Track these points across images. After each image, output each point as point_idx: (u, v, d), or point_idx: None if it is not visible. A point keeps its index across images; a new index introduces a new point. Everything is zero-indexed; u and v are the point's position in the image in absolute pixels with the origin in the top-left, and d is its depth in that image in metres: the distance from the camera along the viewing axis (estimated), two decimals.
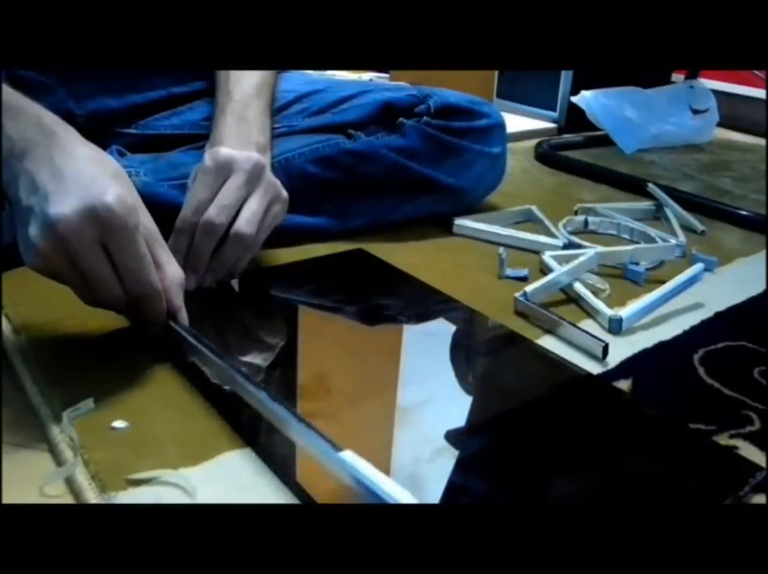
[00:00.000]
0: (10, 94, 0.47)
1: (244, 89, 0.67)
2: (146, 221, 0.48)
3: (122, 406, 0.46)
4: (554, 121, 1.41)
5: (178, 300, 0.50)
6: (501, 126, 0.85)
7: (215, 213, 0.57)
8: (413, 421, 0.45)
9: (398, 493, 0.33)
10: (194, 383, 0.48)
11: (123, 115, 0.69)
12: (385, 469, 0.41)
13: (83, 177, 0.44)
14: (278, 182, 0.62)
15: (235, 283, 0.62)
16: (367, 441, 0.44)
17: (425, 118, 0.77)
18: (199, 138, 0.74)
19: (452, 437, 0.43)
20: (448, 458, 0.42)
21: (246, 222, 0.57)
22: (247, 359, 0.52)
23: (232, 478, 0.41)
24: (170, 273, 0.49)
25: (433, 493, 0.39)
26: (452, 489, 0.39)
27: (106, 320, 0.52)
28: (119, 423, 0.44)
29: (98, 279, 0.45)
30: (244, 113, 0.66)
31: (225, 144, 0.61)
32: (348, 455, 0.36)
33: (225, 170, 0.58)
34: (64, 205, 0.43)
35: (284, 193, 0.62)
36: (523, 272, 0.70)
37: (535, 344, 0.55)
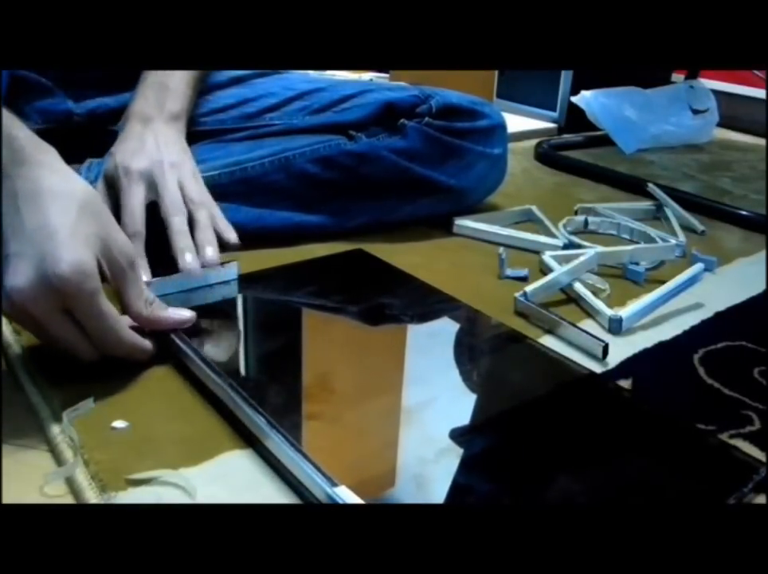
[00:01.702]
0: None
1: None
2: (120, 241, 0.47)
3: (122, 406, 0.46)
4: (554, 121, 1.41)
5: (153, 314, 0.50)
6: (502, 127, 0.84)
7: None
8: (417, 421, 0.45)
9: None
10: (194, 383, 0.48)
11: (117, 113, 0.69)
12: (390, 470, 0.41)
13: (40, 233, 0.43)
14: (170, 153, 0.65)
15: (235, 284, 0.62)
16: (371, 442, 0.44)
17: (426, 118, 0.77)
18: (197, 135, 0.75)
19: (456, 437, 0.43)
20: (453, 458, 0.42)
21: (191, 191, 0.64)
22: (247, 361, 0.52)
23: (232, 478, 0.41)
24: (135, 307, 0.49)
25: (438, 494, 0.39)
26: (456, 488, 0.39)
27: None
28: (119, 423, 0.44)
29: (67, 342, 0.46)
30: (165, 81, 0.69)
31: (134, 114, 0.67)
32: (343, 491, 0.36)
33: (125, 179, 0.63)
34: (19, 275, 0.42)
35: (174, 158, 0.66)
36: (523, 272, 0.70)
37: (537, 344, 0.55)
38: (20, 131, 0.46)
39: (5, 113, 0.45)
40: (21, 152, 0.45)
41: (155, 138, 0.66)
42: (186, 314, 0.52)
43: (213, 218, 0.64)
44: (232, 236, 0.64)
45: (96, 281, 0.44)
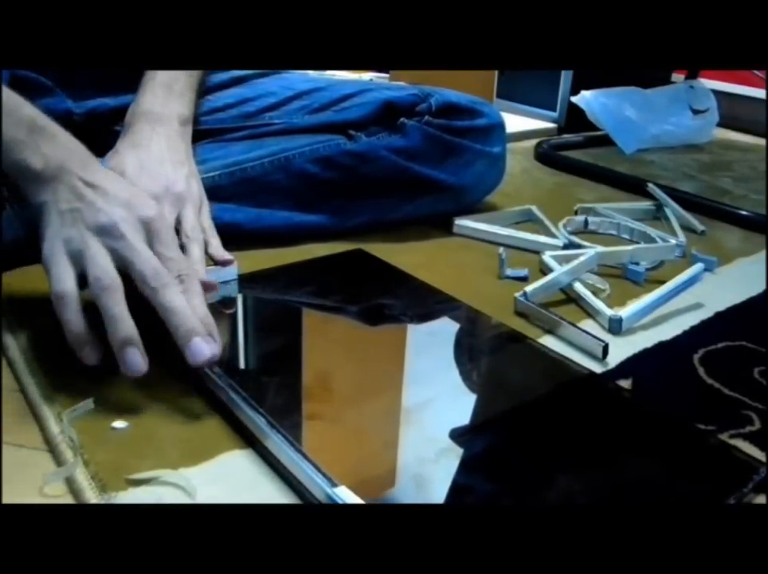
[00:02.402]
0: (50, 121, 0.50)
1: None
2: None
3: (122, 406, 0.46)
4: (554, 121, 1.41)
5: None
6: (501, 125, 0.85)
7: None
8: (417, 421, 0.45)
9: None
10: (194, 383, 0.48)
11: (122, 114, 0.69)
12: (390, 470, 0.41)
13: (125, 190, 0.50)
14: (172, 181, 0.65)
15: (234, 284, 0.62)
16: (371, 442, 0.44)
17: (426, 117, 0.77)
18: (197, 134, 0.74)
19: (456, 436, 0.43)
20: (453, 457, 0.42)
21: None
22: (247, 361, 0.52)
23: (232, 478, 0.41)
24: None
25: (438, 494, 0.39)
26: (456, 488, 0.39)
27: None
28: (119, 423, 0.44)
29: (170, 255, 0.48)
30: (171, 83, 0.69)
31: (142, 114, 0.67)
32: (343, 491, 0.36)
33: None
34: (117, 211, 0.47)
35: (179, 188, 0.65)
36: (523, 272, 0.70)
37: (537, 344, 0.55)
38: (71, 137, 0.51)
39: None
40: (81, 153, 0.51)
41: (165, 147, 0.66)
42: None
43: (209, 246, 0.62)
44: (228, 263, 0.63)
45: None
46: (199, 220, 0.64)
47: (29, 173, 0.49)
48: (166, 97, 0.68)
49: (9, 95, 0.49)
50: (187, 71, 0.71)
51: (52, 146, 0.49)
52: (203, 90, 0.78)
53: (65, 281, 0.46)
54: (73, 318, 0.46)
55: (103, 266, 0.45)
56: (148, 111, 0.67)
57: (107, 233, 0.46)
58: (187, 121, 0.70)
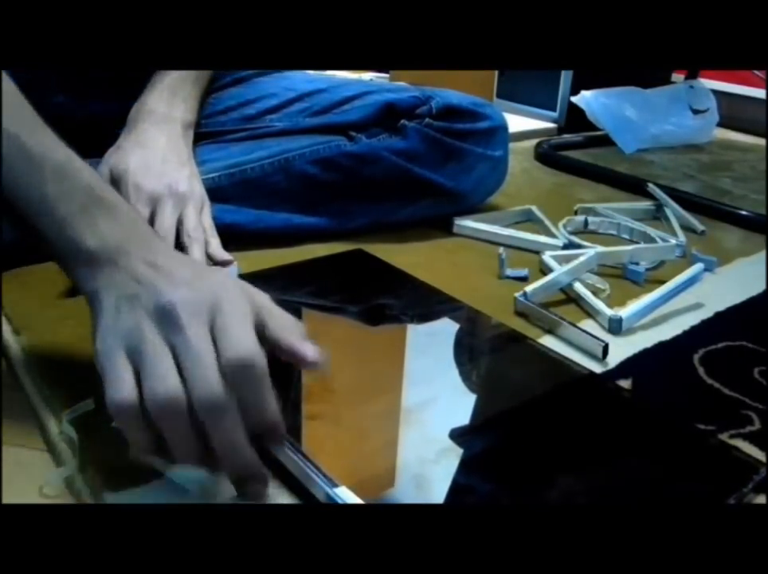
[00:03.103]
0: (110, 190, 0.44)
1: (182, 71, 0.71)
2: (257, 296, 0.42)
3: None
4: (554, 121, 1.41)
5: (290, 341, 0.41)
6: (503, 128, 0.84)
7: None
8: (417, 421, 0.45)
9: None
10: None
11: (124, 116, 0.69)
12: (390, 470, 0.41)
13: (191, 274, 0.40)
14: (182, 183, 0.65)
15: None
16: (371, 442, 0.44)
17: (427, 119, 0.77)
18: (198, 136, 0.74)
19: (456, 437, 0.43)
20: (453, 457, 0.42)
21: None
22: None
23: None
24: (276, 319, 0.41)
25: (438, 494, 0.39)
26: (456, 488, 0.39)
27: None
28: None
29: (198, 352, 0.37)
30: (177, 86, 0.69)
31: (147, 113, 0.66)
32: (343, 492, 0.36)
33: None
34: (179, 290, 0.38)
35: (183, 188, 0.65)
36: (523, 272, 0.70)
37: (537, 344, 0.55)
38: (132, 210, 0.44)
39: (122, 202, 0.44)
40: (143, 233, 0.43)
41: (168, 147, 0.66)
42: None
43: (209, 246, 0.63)
44: (227, 263, 0.64)
45: (249, 309, 0.39)
46: (200, 220, 0.64)
47: (82, 254, 0.41)
48: (171, 100, 0.69)
49: (68, 154, 0.43)
50: (194, 77, 0.72)
51: (111, 222, 0.41)
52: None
53: (123, 387, 0.36)
54: (136, 435, 0.37)
55: (161, 376, 0.36)
56: (153, 111, 0.68)
57: (165, 320, 0.37)
58: (190, 125, 0.71)
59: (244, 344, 0.37)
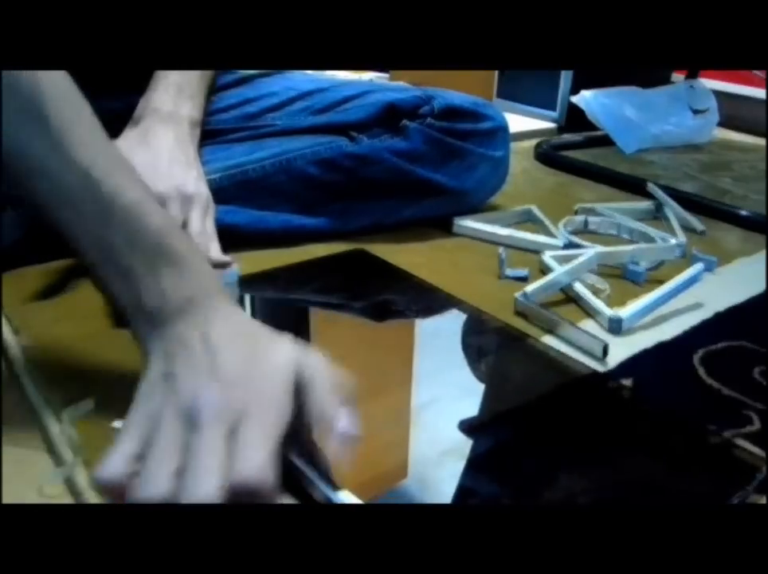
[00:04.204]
0: (182, 242, 0.40)
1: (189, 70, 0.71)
2: (306, 361, 0.39)
3: (122, 406, 0.46)
4: (554, 121, 1.41)
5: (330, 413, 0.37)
6: (504, 129, 0.84)
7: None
8: (418, 421, 0.45)
9: None
10: None
11: (125, 116, 0.69)
12: (392, 469, 0.41)
13: (235, 363, 0.37)
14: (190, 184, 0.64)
15: (236, 285, 0.62)
16: (373, 442, 0.44)
17: (428, 119, 0.77)
18: (201, 134, 0.74)
19: (457, 436, 0.43)
20: (454, 457, 0.42)
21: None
22: None
23: None
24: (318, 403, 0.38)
25: (440, 493, 0.39)
26: (459, 488, 0.39)
27: (106, 320, 0.52)
28: (119, 423, 0.44)
29: (204, 455, 0.34)
30: (183, 84, 0.69)
31: (154, 111, 0.65)
32: (345, 496, 0.36)
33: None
34: (209, 389, 0.35)
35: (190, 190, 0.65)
36: (523, 272, 0.70)
37: (537, 344, 0.55)
38: (201, 265, 0.40)
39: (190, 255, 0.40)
40: (208, 292, 0.40)
41: (175, 147, 0.66)
42: None
43: (209, 250, 0.63)
44: (226, 264, 0.63)
45: (284, 415, 0.36)
46: (204, 224, 0.64)
47: (141, 311, 0.39)
48: (177, 97, 0.69)
49: (141, 196, 0.40)
50: (200, 74, 0.71)
51: (176, 278, 0.39)
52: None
53: (116, 464, 0.34)
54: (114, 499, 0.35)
55: (155, 479, 0.33)
56: (159, 109, 0.67)
57: (187, 416, 0.35)
58: (196, 124, 0.71)
59: (255, 470, 0.33)
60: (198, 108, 0.71)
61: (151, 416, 0.36)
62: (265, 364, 0.37)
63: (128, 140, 0.66)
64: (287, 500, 0.37)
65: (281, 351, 0.38)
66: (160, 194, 0.62)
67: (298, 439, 0.39)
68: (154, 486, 0.33)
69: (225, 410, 0.35)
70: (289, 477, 0.38)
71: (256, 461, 0.33)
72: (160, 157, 0.64)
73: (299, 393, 0.37)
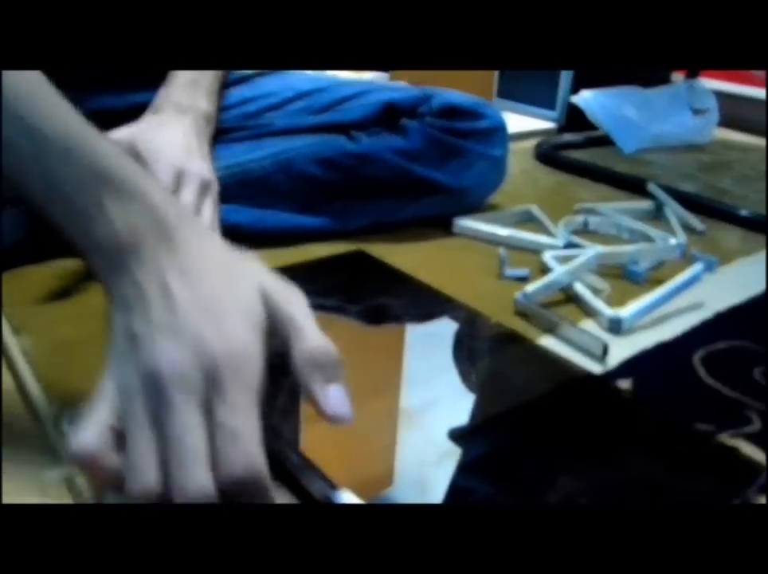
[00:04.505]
0: (129, 170, 0.37)
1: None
2: (275, 294, 0.38)
3: None
4: (554, 121, 1.41)
5: (315, 386, 0.35)
6: (503, 128, 0.84)
7: None
8: (418, 423, 0.45)
9: None
10: None
11: (124, 115, 0.69)
12: (391, 471, 0.41)
13: (199, 304, 0.34)
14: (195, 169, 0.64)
15: None
16: (371, 443, 0.44)
17: (427, 118, 0.77)
18: None
19: (457, 438, 0.43)
20: (453, 459, 0.42)
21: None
22: None
23: None
24: (306, 343, 0.36)
25: (439, 495, 0.39)
26: (457, 489, 0.39)
27: (106, 320, 0.52)
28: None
29: (183, 442, 0.31)
30: (198, 81, 0.70)
31: (170, 105, 0.66)
32: (343, 495, 0.36)
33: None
34: (166, 354, 0.33)
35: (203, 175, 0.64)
36: (523, 272, 0.70)
37: (537, 344, 0.55)
38: (165, 203, 0.37)
39: (150, 184, 0.38)
40: (169, 228, 0.36)
41: (193, 136, 0.66)
42: None
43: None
44: None
45: (257, 369, 0.34)
46: (214, 216, 0.64)
47: (94, 247, 0.36)
48: (192, 92, 0.69)
49: (81, 130, 0.37)
50: (213, 73, 0.72)
51: (126, 209, 0.36)
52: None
53: (89, 435, 0.32)
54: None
55: (139, 470, 0.31)
56: (176, 102, 0.68)
57: (153, 391, 0.32)
58: (211, 119, 0.71)
59: (243, 463, 0.31)
60: (213, 103, 0.72)
61: (122, 385, 0.33)
62: (232, 313, 0.34)
63: (149, 125, 0.66)
64: (281, 493, 0.36)
65: (247, 289, 0.36)
66: (176, 167, 0.62)
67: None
68: (142, 483, 0.31)
69: (192, 377, 0.32)
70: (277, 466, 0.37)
71: (243, 452, 0.31)
72: (179, 142, 0.64)
73: (276, 329, 0.35)
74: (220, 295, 0.35)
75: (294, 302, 0.37)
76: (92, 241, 0.36)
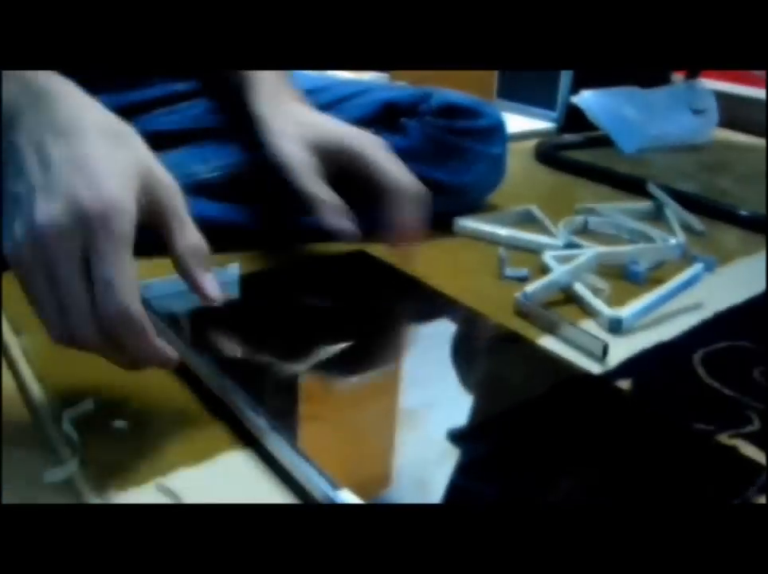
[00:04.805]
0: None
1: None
2: (164, 178, 0.41)
3: (122, 406, 0.46)
4: (553, 121, 1.41)
5: (197, 273, 0.42)
6: (502, 126, 0.85)
7: None
8: (418, 423, 0.45)
9: None
10: (195, 383, 0.48)
11: (123, 113, 0.69)
12: (390, 472, 0.41)
13: (70, 165, 0.37)
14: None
15: (236, 285, 0.62)
16: (371, 444, 0.44)
17: (427, 117, 0.77)
18: (201, 134, 0.74)
19: (457, 439, 0.43)
20: (453, 460, 0.42)
21: None
22: (248, 361, 0.52)
23: (232, 478, 0.41)
24: (186, 237, 0.41)
25: (439, 496, 0.39)
26: (457, 490, 0.39)
27: None
28: (119, 423, 0.44)
29: (71, 304, 0.37)
30: (281, 74, 0.70)
31: (264, 93, 0.66)
32: (345, 495, 0.36)
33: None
34: (40, 210, 0.36)
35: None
36: (523, 272, 0.70)
37: (537, 344, 0.55)
38: (42, 73, 0.41)
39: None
40: (40, 88, 0.40)
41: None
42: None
43: None
44: None
45: (129, 223, 0.37)
46: None
47: None
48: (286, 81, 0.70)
49: None
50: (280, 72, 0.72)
51: (8, 85, 0.40)
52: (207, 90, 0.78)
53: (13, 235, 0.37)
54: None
55: (45, 314, 0.38)
56: (292, 94, 0.69)
57: (33, 244, 0.36)
58: (303, 99, 0.71)
59: (117, 304, 0.36)
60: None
61: (14, 244, 0.37)
62: (105, 171, 0.38)
63: (312, 124, 0.66)
64: (161, 339, 0.40)
65: (124, 156, 0.39)
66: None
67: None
68: (52, 332, 0.38)
69: (67, 232, 0.36)
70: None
71: (114, 298, 0.36)
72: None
73: (154, 212, 0.40)
74: (94, 154, 0.38)
75: (175, 197, 0.41)
76: None
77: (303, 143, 0.62)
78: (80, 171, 0.37)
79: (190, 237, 0.41)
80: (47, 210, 0.36)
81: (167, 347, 0.41)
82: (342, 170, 0.62)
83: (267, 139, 0.64)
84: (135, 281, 0.37)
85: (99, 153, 0.38)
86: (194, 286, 0.42)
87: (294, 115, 0.65)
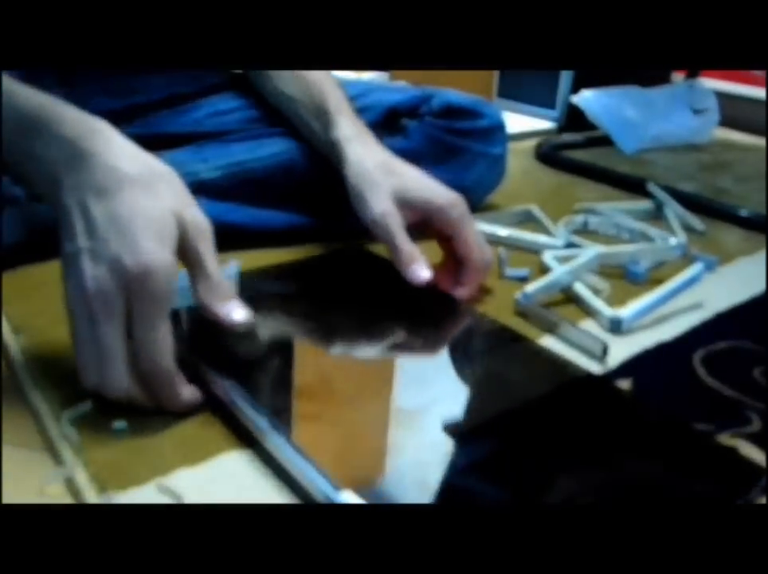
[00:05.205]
0: (38, 104, 0.44)
1: (336, 90, 0.71)
2: (188, 221, 0.43)
3: (122, 407, 0.46)
4: (554, 121, 1.41)
5: (216, 308, 0.45)
6: (502, 126, 0.85)
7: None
8: (417, 423, 0.45)
9: None
10: (194, 382, 0.48)
11: (125, 116, 0.69)
12: (390, 472, 0.41)
13: (113, 226, 0.40)
14: None
15: (236, 282, 0.62)
16: (370, 443, 0.44)
17: (427, 118, 0.77)
18: (202, 136, 0.74)
19: (451, 432, 0.43)
20: (452, 459, 0.41)
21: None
22: (247, 360, 0.52)
23: (232, 478, 0.41)
24: (208, 277, 0.44)
25: (438, 496, 0.39)
26: (457, 490, 0.39)
27: None
28: (119, 423, 0.44)
29: (108, 347, 0.41)
30: (352, 112, 0.69)
31: (354, 144, 0.65)
32: (347, 496, 0.36)
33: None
34: (87, 271, 0.40)
35: None
36: (523, 272, 0.70)
37: (537, 345, 0.55)
38: (64, 120, 0.43)
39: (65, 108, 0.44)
40: (71, 142, 0.42)
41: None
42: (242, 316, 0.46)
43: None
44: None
45: (166, 281, 0.41)
46: None
47: (28, 180, 0.44)
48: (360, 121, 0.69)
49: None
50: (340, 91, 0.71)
51: (46, 144, 0.42)
52: (207, 92, 0.78)
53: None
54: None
55: (82, 364, 0.43)
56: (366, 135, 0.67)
57: (80, 302, 0.41)
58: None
59: (151, 361, 0.41)
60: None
61: (68, 299, 0.42)
62: (143, 230, 0.41)
63: (389, 169, 0.65)
64: (188, 387, 0.44)
65: (160, 207, 0.42)
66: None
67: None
68: (86, 380, 0.42)
69: (110, 293, 0.40)
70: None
71: (148, 353, 0.41)
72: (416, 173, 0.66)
73: (182, 252, 0.43)
74: (132, 210, 0.41)
75: (201, 238, 0.44)
76: (37, 184, 0.43)
77: (393, 196, 0.62)
78: (120, 233, 0.40)
79: (210, 276, 0.44)
80: (92, 273, 0.40)
81: (194, 394, 0.45)
82: (423, 222, 0.63)
83: (354, 183, 0.63)
84: (169, 337, 0.41)
85: (138, 207, 0.41)
86: (215, 320, 0.45)
87: (384, 163, 0.64)
